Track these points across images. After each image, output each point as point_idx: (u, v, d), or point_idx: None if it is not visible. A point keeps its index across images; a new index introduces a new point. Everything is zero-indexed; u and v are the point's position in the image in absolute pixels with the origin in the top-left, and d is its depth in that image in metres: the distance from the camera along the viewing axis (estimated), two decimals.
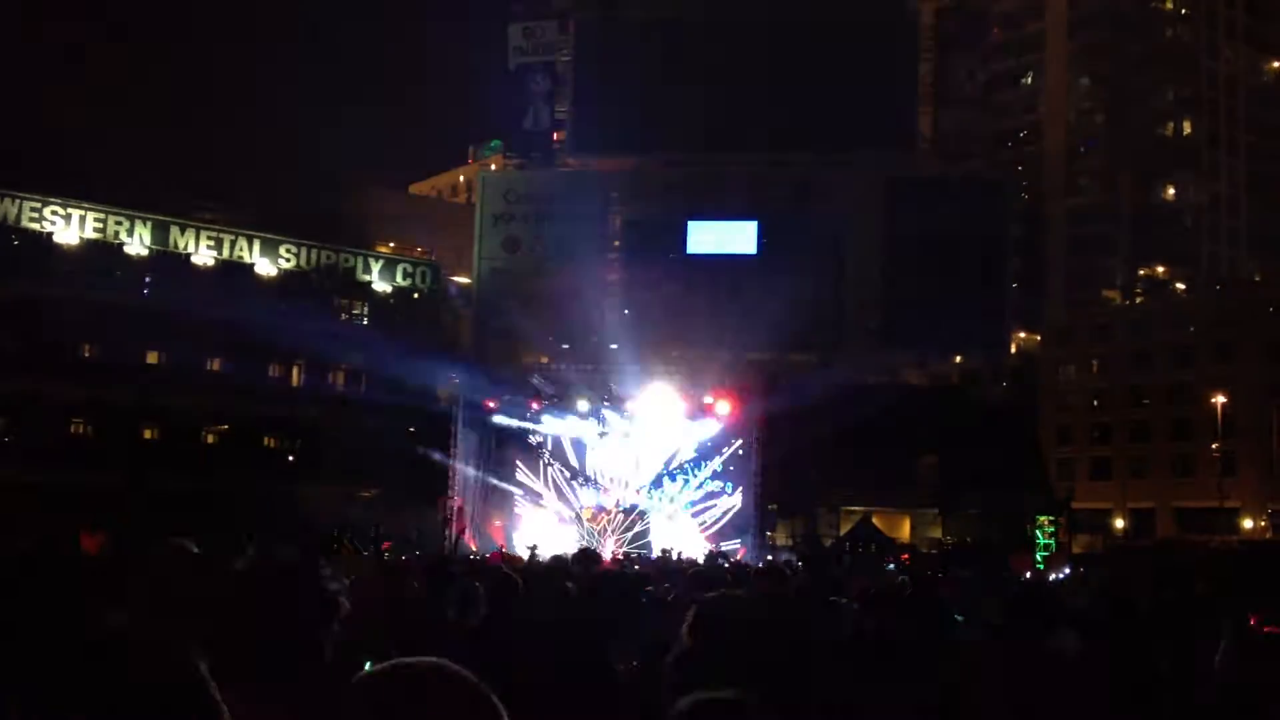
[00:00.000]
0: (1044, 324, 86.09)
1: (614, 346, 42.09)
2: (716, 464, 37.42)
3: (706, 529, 36.48)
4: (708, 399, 37.01)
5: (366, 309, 53.41)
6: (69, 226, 46.50)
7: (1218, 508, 64.75)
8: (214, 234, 49.60)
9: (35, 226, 45.87)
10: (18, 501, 35.72)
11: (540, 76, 46.09)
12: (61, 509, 31.28)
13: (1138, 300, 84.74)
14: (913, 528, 45.47)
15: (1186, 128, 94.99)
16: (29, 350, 43.91)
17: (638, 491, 37.36)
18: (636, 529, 35.77)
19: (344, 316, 53.30)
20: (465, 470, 38.13)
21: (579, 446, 38.34)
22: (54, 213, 46.13)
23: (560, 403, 38.04)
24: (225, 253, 49.69)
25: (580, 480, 38.05)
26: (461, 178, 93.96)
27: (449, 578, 7.72)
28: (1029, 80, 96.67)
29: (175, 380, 46.33)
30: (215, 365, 49.18)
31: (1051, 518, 40.55)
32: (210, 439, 50.09)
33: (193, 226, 49.30)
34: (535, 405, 38.25)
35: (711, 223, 43.69)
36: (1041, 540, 38.69)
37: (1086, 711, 4.39)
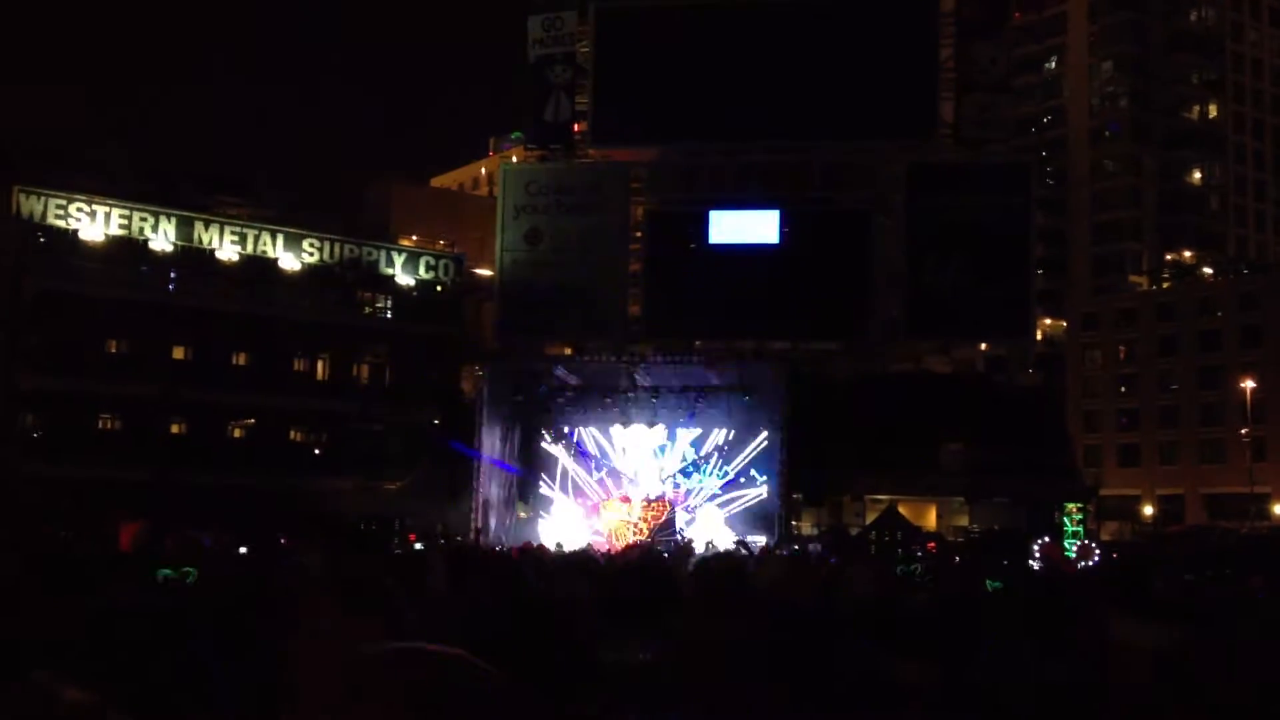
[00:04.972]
0: (1070, 310, 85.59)
1: (637, 337, 42.08)
2: (742, 456, 37.40)
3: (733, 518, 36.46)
4: (732, 388, 36.96)
5: (390, 302, 53.54)
6: (94, 223, 46.75)
7: (1248, 493, 64.27)
8: (238, 229, 49.79)
9: (60, 223, 46.13)
10: (47, 497, 36.02)
11: (560, 68, 45.96)
12: (90, 504, 31.54)
13: (1164, 285, 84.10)
14: (939, 516, 45.22)
15: (1212, 111, 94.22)
16: (56, 347, 44.26)
17: (663, 482, 37.37)
18: (663, 519, 35.76)
19: (368, 310, 53.48)
20: (490, 462, 38.22)
21: (604, 437, 38.40)
22: (79, 209, 46.39)
23: (584, 394, 38.07)
24: (249, 247, 49.86)
25: (605, 471, 38.11)
26: (483, 170, 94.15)
27: (471, 569, 7.71)
28: (1052, 64, 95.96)
29: (201, 375, 46.63)
30: (241, 359, 49.43)
31: (1080, 505, 40.29)
32: (237, 433, 50.38)
33: (217, 222, 49.48)
34: (559, 397, 38.31)
35: (733, 212, 43.50)
36: (1070, 527, 38.46)
37: None
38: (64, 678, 2.03)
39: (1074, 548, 34.50)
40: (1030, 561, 27.30)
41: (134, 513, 22.06)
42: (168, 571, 8.51)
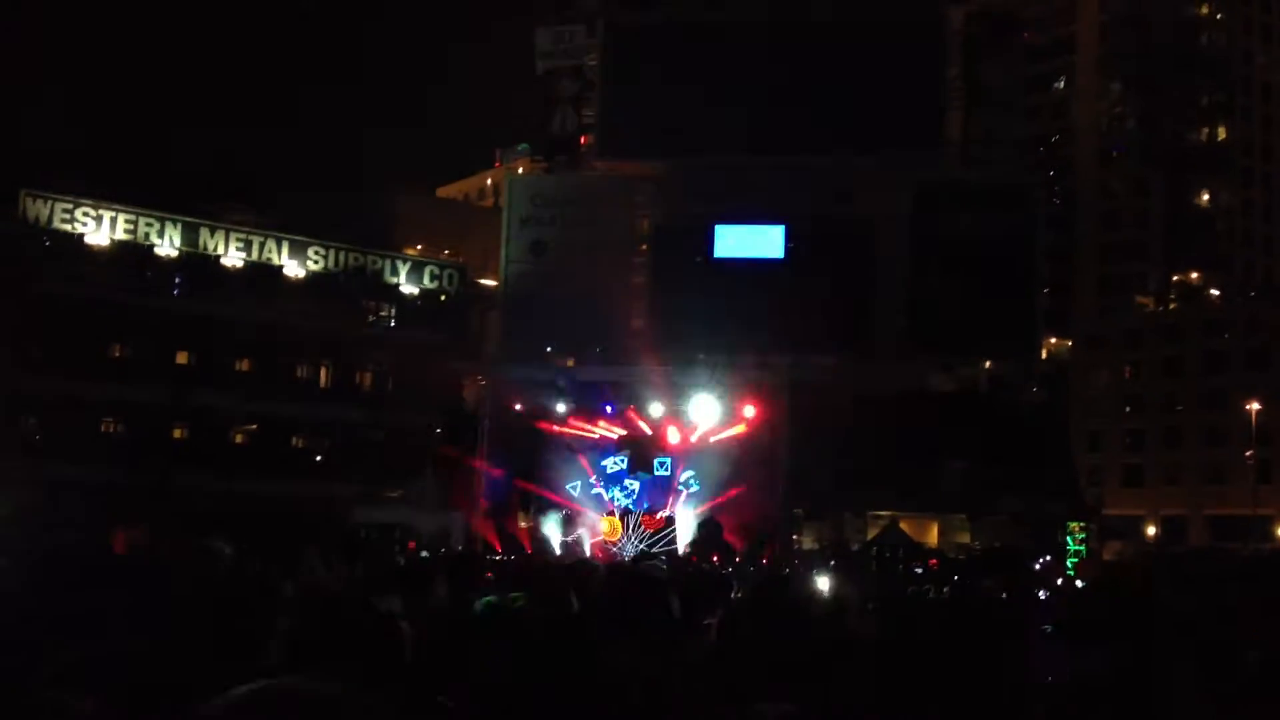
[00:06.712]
0: (1075, 330, 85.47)
1: (640, 350, 42.01)
2: (742, 467, 37.32)
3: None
4: (734, 402, 36.92)
5: (394, 311, 53.61)
6: (100, 228, 46.86)
7: (1251, 515, 64.03)
8: (243, 236, 49.88)
9: (67, 228, 46.26)
10: (50, 500, 35.95)
11: (567, 80, 46.02)
12: (92, 508, 31.50)
13: (1170, 306, 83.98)
14: (941, 533, 45.07)
15: (1220, 133, 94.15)
16: (60, 351, 44.29)
17: (665, 495, 37.31)
18: (661, 531, 35.72)
19: (371, 318, 53.53)
20: (491, 471, 38.21)
21: (606, 448, 38.35)
22: (85, 214, 46.51)
23: (587, 405, 38.04)
24: (254, 254, 49.96)
25: (605, 482, 38.05)
26: (489, 181, 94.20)
27: (473, 577, 7.65)
28: (1061, 84, 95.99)
29: (205, 380, 46.64)
30: (244, 366, 49.48)
31: (1082, 524, 40.19)
32: (239, 439, 50.38)
33: (222, 228, 49.60)
34: (561, 408, 38.28)
35: (738, 227, 43.48)
36: (1072, 547, 38.35)
37: None
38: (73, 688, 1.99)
39: (1074, 566, 34.40)
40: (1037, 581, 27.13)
41: (135, 518, 21.98)
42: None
